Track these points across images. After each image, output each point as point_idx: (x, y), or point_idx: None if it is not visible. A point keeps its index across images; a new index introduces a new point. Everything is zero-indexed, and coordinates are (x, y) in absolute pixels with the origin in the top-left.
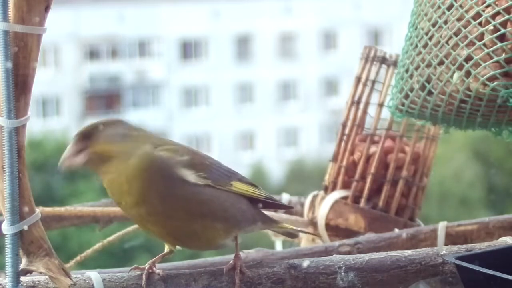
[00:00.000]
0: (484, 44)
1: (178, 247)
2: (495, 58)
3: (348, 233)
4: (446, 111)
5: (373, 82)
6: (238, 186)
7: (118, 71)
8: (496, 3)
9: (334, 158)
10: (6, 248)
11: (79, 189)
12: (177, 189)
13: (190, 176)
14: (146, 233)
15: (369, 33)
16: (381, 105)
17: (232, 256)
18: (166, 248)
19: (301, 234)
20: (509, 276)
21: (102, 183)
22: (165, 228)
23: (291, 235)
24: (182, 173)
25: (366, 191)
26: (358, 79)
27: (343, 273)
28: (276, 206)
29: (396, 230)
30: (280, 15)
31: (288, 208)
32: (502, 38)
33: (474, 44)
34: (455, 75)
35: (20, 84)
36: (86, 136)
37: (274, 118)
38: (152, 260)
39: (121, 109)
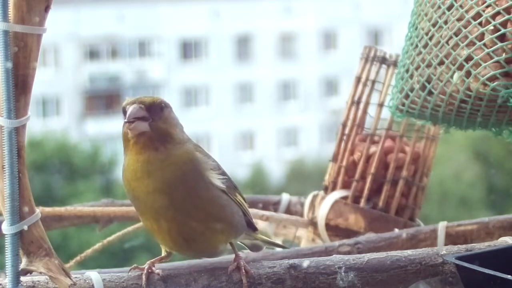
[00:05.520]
0: (484, 44)
1: (174, 251)
2: (495, 58)
3: (348, 233)
4: (447, 111)
5: (373, 82)
6: (238, 197)
7: (118, 71)
8: (496, 3)
9: (334, 158)
10: (6, 248)
11: (79, 189)
12: (204, 190)
13: (217, 180)
14: (149, 230)
15: (369, 33)
16: (381, 105)
17: (231, 256)
18: (163, 251)
19: (301, 234)
20: (509, 276)
21: (131, 158)
22: (178, 225)
23: (256, 248)
24: (211, 175)
25: (366, 191)
26: (358, 79)
27: (343, 273)
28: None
29: (396, 230)
30: (280, 15)
31: (256, 230)
32: (502, 38)
33: (474, 44)
34: (456, 75)
35: (20, 84)
36: (149, 108)
37: (274, 118)
38: (152, 260)
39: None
